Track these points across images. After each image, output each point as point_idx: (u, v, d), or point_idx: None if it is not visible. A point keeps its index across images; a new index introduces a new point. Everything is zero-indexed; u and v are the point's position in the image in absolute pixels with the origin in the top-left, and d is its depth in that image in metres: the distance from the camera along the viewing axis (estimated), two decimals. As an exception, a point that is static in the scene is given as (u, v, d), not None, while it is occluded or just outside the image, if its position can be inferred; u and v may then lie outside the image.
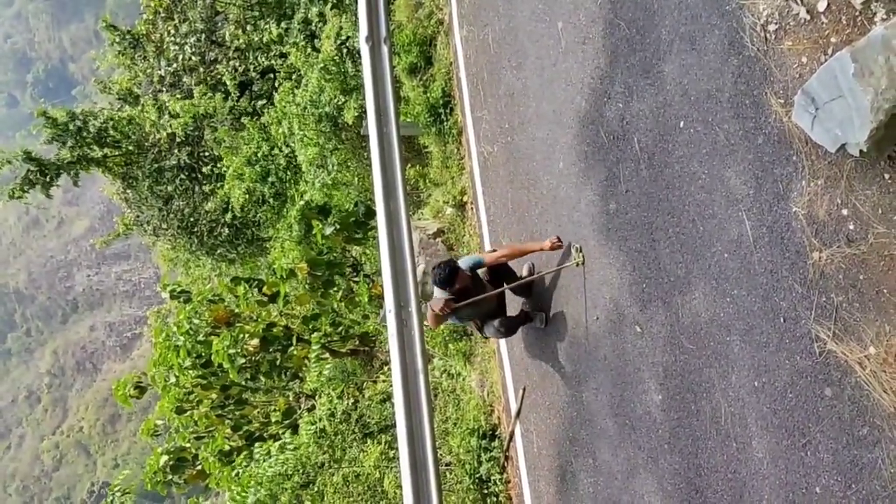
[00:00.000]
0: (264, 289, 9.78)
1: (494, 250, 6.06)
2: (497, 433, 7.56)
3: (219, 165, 12.79)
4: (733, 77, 3.82)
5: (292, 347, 9.74)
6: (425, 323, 6.23)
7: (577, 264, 5.37)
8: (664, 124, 4.36)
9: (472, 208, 8.33)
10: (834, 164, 3.31)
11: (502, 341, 7.18)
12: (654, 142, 4.46)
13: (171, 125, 12.85)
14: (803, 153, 3.45)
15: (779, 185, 3.57)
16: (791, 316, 3.55)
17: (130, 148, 13.17)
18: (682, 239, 4.24)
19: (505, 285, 5.88)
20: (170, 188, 13.53)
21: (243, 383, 10.29)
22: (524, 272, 6.38)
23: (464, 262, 6.00)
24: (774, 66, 3.58)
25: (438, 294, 5.85)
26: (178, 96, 12.87)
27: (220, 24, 12.61)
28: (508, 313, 6.36)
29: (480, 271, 6.20)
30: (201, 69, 12.67)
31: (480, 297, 5.78)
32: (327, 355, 10.19)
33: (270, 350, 9.80)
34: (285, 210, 12.15)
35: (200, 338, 9.72)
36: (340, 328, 10.26)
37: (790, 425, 3.57)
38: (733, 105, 3.83)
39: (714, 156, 3.96)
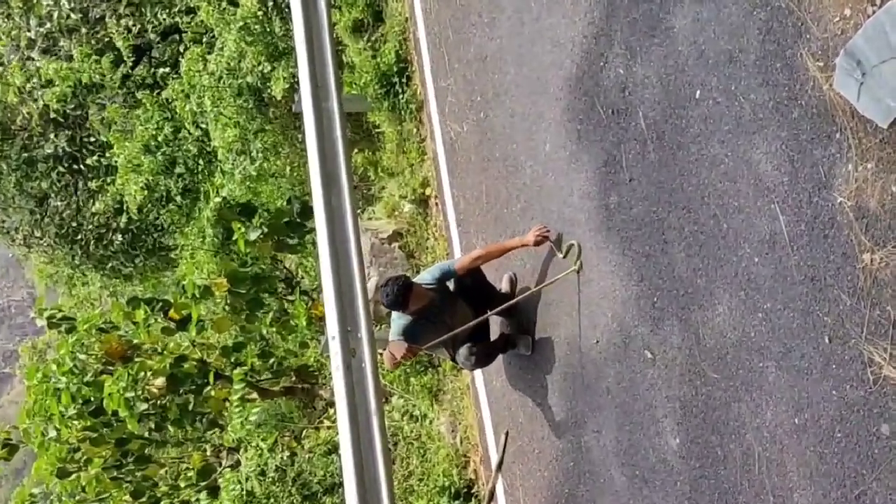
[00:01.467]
0: (171, 312, 9.64)
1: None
2: (473, 491, 7.55)
3: (108, 154, 12.60)
4: (760, 34, 3.87)
5: (209, 387, 9.63)
6: (380, 358, 6.21)
7: (575, 271, 5.39)
8: (676, 95, 4.40)
9: (436, 204, 8.32)
10: (887, 143, 3.37)
11: (478, 373, 7.18)
12: (664, 117, 4.49)
13: (43, 96, 12.62)
14: (848, 129, 3.50)
15: (819, 170, 3.62)
16: (838, 335, 3.59)
17: (-11, 133, 12.94)
18: (700, 239, 4.28)
19: (489, 312, 5.90)
20: (44, 184, 13.28)
21: (146, 435, 10.13)
22: (503, 285, 6.39)
23: (428, 275, 5.99)
24: (811, 20, 3.63)
25: (395, 324, 5.82)
26: (54, 61, 12.65)
27: (107, -30, 12.46)
28: (488, 334, 6.37)
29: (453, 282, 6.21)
30: (83, 30, 12.47)
31: (450, 334, 5.77)
32: (255, 396, 10.10)
33: (181, 391, 9.66)
34: (197, 210, 12.02)
35: (88, 378, 9.55)
36: (271, 361, 10.17)
37: (839, 473, 3.62)
38: (761, 70, 3.87)
39: (738, 134, 4.00)
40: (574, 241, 5.46)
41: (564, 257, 5.54)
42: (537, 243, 5.69)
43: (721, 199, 4.12)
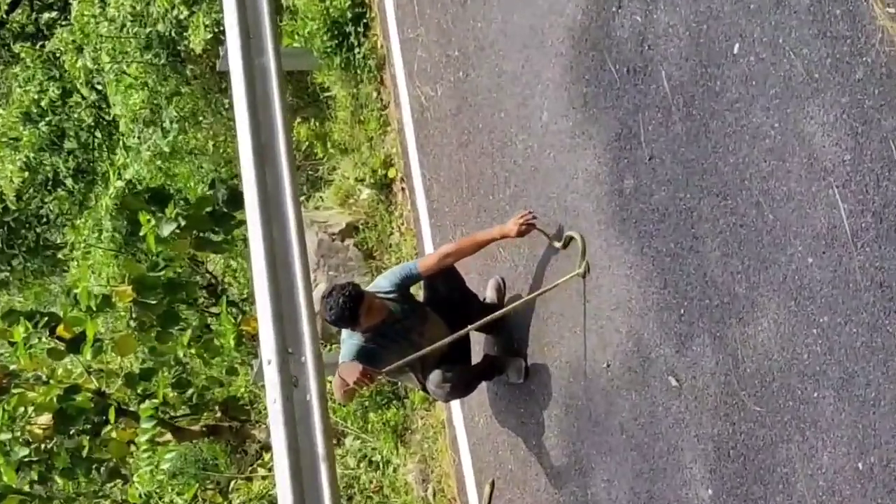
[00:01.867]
0: (59, 329, 9.54)
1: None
2: (451, 558, 7.54)
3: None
4: (815, -28, 3.88)
5: (109, 426, 9.55)
6: (330, 387, 6.19)
7: (580, 275, 5.40)
8: (708, 49, 4.40)
9: (403, 189, 8.31)
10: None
11: (455, 407, 7.17)
12: (693, 77, 4.49)
13: None
14: (927, 94, 3.53)
15: (890, 146, 3.63)
16: (914, 355, 3.62)
17: None
18: (739, 234, 4.29)
19: (469, 326, 5.86)
20: None
21: (26, 489, 10.02)
22: (488, 293, 6.38)
23: (385, 281, 5.96)
24: (879, -45, 3.65)
25: (347, 344, 5.77)
26: None
27: None
28: (469, 355, 6.36)
29: (423, 289, 6.18)
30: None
31: (418, 354, 5.72)
32: (168, 437, 10.01)
33: (72, 432, 9.57)
34: (93, 198, 11.91)
35: (-51, 415, 9.45)
36: (190, 392, 10.10)
37: (916, 531, 3.64)
38: (816, 17, 3.88)
39: (787, 99, 4.01)
40: (576, 233, 5.45)
41: (564, 248, 5.53)
42: (521, 233, 5.68)
43: (765, 182, 4.12)
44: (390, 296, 5.86)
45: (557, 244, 5.60)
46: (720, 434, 4.47)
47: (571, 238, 5.48)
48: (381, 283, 5.99)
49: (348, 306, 5.58)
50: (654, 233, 4.82)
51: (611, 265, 5.19)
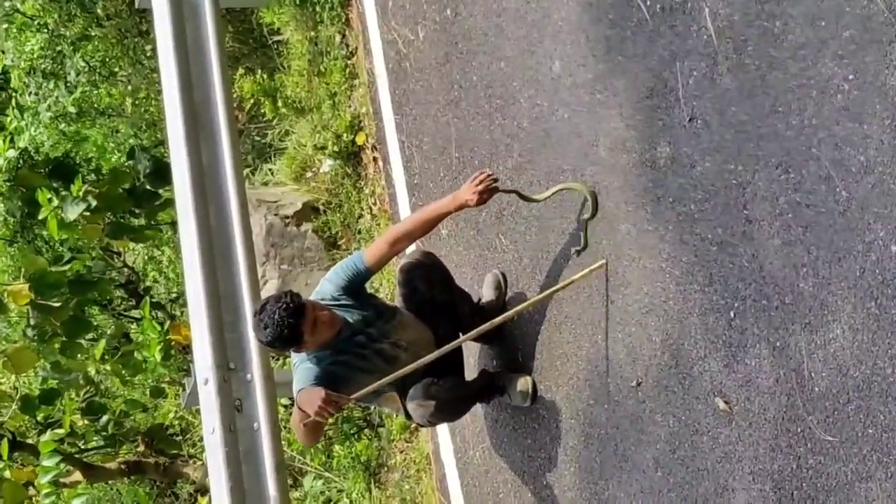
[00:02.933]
0: (-65, 340, 9.55)
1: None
2: None
3: None
4: None
5: (1, 464, 9.55)
6: (284, 414, 6.18)
7: (604, 266, 5.41)
8: (765, -20, 4.40)
9: (374, 160, 8.31)
10: None
11: (444, 435, 7.18)
12: (746, 16, 4.49)
13: None
14: None
15: None
16: None
17: None
18: (805, 216, 4.29)
19: (461, 336, 5.87)
20: None
21: None
22: (485, 291, 6.39)
23: (329, 285, 5.92)
24: None
25: (301, 370, 5.73)
26: None
27: None
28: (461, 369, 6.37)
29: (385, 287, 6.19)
30: None
31: (398, 374, 5.68)
32: (77, 476, 10.02)
33: (-48, 471, 9.58)
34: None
35: None
36: (105, 419, 10.11)
37: None
38: (902, -60, 3.89)
39: (866, 45, 4.01)
40: (576, 184, 5.52)
41: (592, 216, 5.52)
42: (481, 201, 5.67)
43: (838, 150, 4.13)
44: (340, 302, 5.83)
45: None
46: (781, 470, 4.48)
47: (584, 201, 5.51)
48: (325, 289, 5.90)
49: (287, 323, 5.44)
50: (697, 215, 4.82)
51: (641, 256, 5.20)
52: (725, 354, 4.72)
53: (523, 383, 6.14)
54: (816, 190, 4.24)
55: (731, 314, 4.67)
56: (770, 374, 4.50)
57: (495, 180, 5.65)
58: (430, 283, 6.09)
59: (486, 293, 6.43)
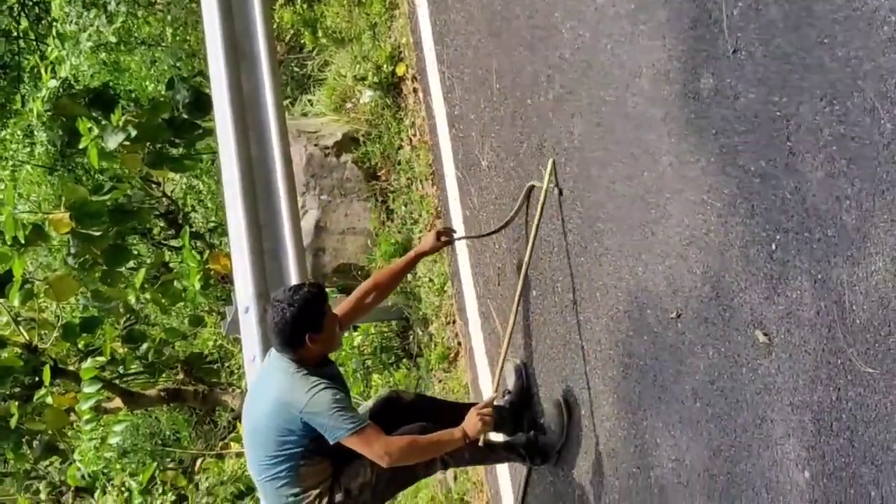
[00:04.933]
0: (-26, 266, 9.65)
1: None
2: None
3: None
4: None
5: (43, 390, 9.66)
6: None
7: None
8: None
9: (415, 91, 8.31)
10: None
11: (481, 367, 7.23)
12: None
13: None
14: None
15: None
16: None
17: None
18: (850, 149, 4.27)
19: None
20: None
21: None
22: (508, 381, 6.70)
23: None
24: None
25: (329, 395, 5.64)
26: None
27: None
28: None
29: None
30: None
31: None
32: (117, 403, 10.13)
33: (-5, 397, 9.71)
34: (18, 100, 11.90)
35: None
36: (145, 347, 10.20)
37: None
38: None
39: (915, -25, 3.98)
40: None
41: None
42: (433, 249, 6.37)
43: (884, 82, 4.10)
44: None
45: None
46: (821, 402, 4.49)
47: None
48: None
49: (316, 299, 5.59)
50: (740, 147, 4.81)
51: (684, 189, 5.19)
52: (766, 287, 4.73)
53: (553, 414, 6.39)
54: (861, 122, 4.22)
55: (773, 246, 4.68)
56: (811, 306, 4.51)
57: (450, 233, 6.47)
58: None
59: (509, 383, 6.66)
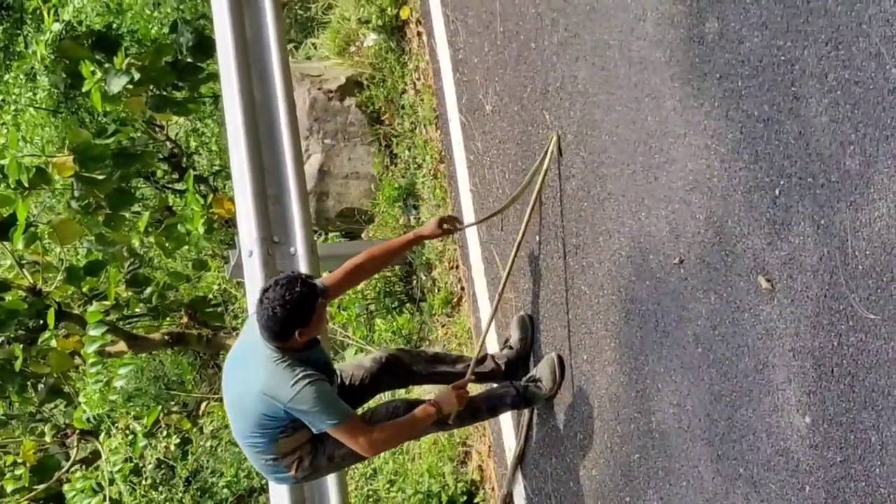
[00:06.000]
0: (-21, 210, 9.65)
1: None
2: (476, 501, 7.69)
3: None
4: None
5: (47, 333, 9.70)
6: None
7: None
8: None
9: (419, 34, 8.28)
10: None
11: (484, 313, 7.24)
12: None
13: None
14: None
15: None
16: None
17: None
18: (854, 94, 4.26)
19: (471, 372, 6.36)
20: None
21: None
22: (512, 333, 6.79)
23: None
24: None
25: (320, 388, 5.61)
26: None
27: None
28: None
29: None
30: None
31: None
32: (122, 347, 10.17)
33: (0, 339, 9.73)
34: (21, 42, 11.86)
35: None
36: (149, 290, 10.22)
37: None
38: None
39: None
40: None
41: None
42: (442, 234, 6.28)
43: (889, 27, 4.08)
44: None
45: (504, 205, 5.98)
46: (822, 348, 4.51)
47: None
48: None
49: (308, 299, 5.49)
50: (744, 91, 4.79)
51: (687, 133, 5.18)
52: (769, 232, 4.73)
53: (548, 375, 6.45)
54: (865, 67, 4.21)
55: (776, 192, 4.67)
56: (813, 252, 4.51)
57: (458, 221, 6.34)
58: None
59: (512, 334, 6.69)
